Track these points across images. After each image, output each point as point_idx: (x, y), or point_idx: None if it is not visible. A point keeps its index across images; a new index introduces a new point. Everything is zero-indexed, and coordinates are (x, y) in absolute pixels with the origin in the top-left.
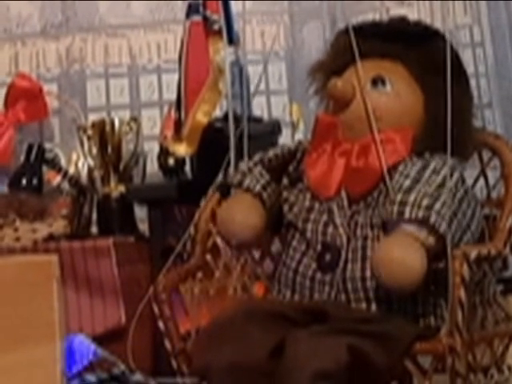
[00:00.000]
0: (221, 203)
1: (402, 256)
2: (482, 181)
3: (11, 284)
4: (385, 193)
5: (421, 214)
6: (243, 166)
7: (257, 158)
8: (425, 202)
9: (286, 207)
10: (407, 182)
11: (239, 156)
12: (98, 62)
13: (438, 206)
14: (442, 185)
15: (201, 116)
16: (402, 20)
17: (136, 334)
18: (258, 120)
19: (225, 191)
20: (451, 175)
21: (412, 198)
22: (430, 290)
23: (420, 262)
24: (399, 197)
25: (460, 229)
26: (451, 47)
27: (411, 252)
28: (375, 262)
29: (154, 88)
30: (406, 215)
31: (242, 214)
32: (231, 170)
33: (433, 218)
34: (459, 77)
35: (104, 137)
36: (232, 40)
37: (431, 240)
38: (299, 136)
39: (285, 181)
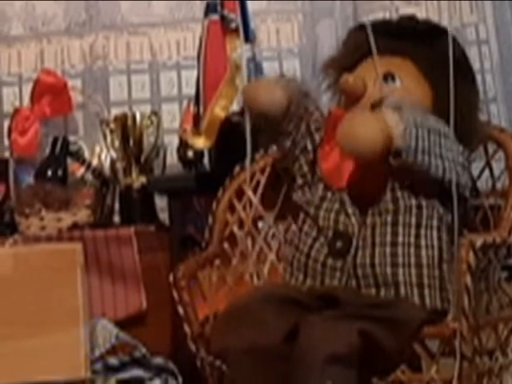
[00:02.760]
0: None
1: (363, 130)
2: (487, 172)
3: (37, 271)
4: (392, 180)
5: (398, 103)
6: None
7: None
8: (405, 105)
9: (300, 180)
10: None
11: (255, 148)
12: (120, 59)
13: (417, 112)
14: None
15: (218, 110)
16: (411, 18)
17: (156, 319)
18: None
19: None
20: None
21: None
22: (436, 276)
23: (378, 134)
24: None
25: (427, 145)
26: (458, 44)
27: (372, 124)
28: (340, 132)
29: (173, 83)
30: (386, 101)
31: (269, 84)
32: (247, 161)
33: (406, 113)
34: (466, 73)
35: (126, 130)
36: (248, 38)
37: (399, 128)
38: None
39: (309, 143)
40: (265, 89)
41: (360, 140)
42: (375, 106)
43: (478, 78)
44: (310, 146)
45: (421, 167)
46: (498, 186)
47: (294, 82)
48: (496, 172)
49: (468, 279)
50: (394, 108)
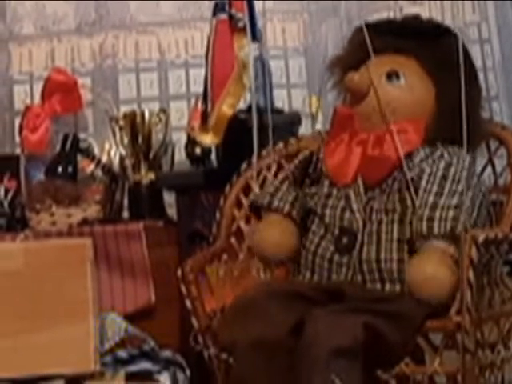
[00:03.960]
0: (251, 220)
1: (435, 273)
2: (489, 169)
3: (47, 266)
4: (398, 181)
5: (448, 226)
6: (270, 186)
7: (282, 175)
8: (451, 215)
9: (307, 198)
10: (431, 198)
11: (261, 145)
12: (129, 58)
13: (462, 217)
14: (462, 193)
15: (226, 108)
16: (415, 18)
17: (164, 312)
18: (280, 112)
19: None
20: (470, 180)
21: (438, 213)
22: None
23: (451, 276)
24: (426, 213)
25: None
26: (461, 43)
27: (443, 268)
28: (411, 281)
29: (181, 82)
30: (435, 231)
31: (275, 237)
32: (254, 158)
33: (459, 229)
34: (469, 71)
35: (135, 127)
36: (255, 37)
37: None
38: (318, 127)
39: (307, 181)
40: (273, 245)
41: (441, 293)
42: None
43: (481, 76)
44: (308, 182)
45: None
46: (500, 182)
47: (285, 193)
48: (498, 168)
49: (470, 274)
50: (445, 237)
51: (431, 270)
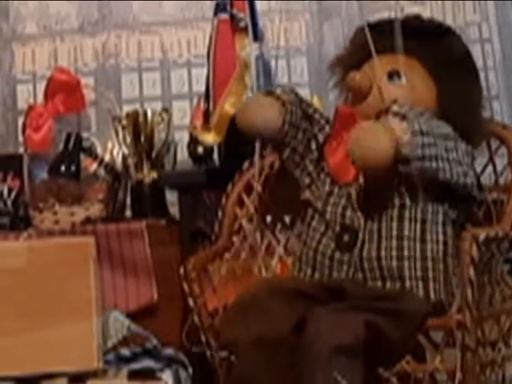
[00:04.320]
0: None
1: (372, 140)
2: (490, 168)
3: (51, 264)
4: (398, 178)
5: (404, 112)
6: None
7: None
8: (410, 111)
9: (307, 180)
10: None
11: (263, 145)
12: (131, 57)
13: (421, 120)
14: (431, 119)
15: (228, 107)
16: (417, 18)
17: (167, 311)
18: None
19: None
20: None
21: (403, 107)
22: (440, 269)
23: (388, 147)
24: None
25: (435, 152)
26: (462, 43)
27: (382, 137)
28: (351, 141)
29: (184, 81)
30: (392, 109)
31: (259, 112)
32: (256, 157)
33: (412, 121)
34: (469, 70)
35: (137, 127)
36: (257, 36)
37: (406, 137)
38: None
39: (314, 138)
40: (257, 111)
41: (371, 153)
42: (381, 113)
43: (481, 75)
44: (313, 146)
45: (429, 173)
46: (501, 181)
47: (287, 94)
48: (499, 167)
49: (471, 272)
50: (400, 116)
51: (370, 137)
